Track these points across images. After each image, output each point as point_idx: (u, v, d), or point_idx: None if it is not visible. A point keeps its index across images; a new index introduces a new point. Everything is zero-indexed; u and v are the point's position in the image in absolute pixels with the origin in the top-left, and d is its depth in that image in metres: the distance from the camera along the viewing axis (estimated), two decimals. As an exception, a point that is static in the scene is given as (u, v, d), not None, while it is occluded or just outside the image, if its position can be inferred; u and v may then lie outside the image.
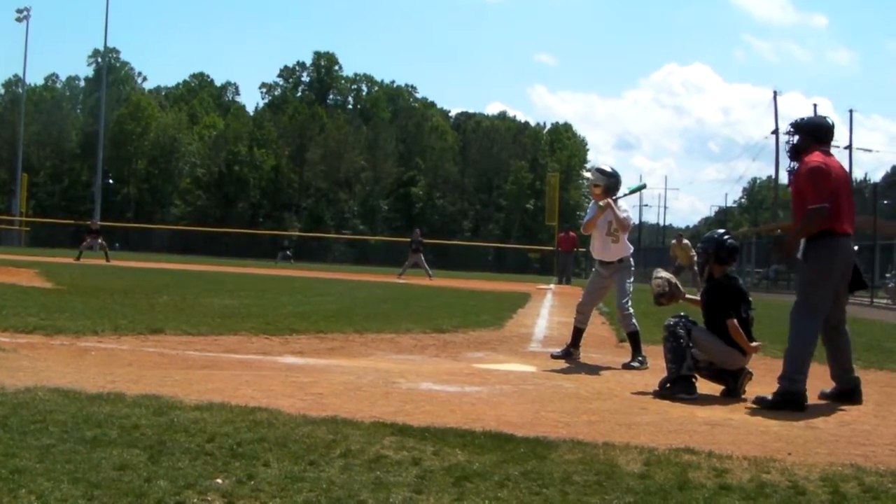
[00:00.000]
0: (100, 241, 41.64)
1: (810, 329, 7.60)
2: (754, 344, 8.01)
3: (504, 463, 4.69)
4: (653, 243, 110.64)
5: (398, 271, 39.93)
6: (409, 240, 43.50)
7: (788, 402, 7.27)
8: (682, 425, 6.25)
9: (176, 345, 9.74)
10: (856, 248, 7.99)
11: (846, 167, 8.09)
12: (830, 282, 7.63)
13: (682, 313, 8.22)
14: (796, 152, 7.95)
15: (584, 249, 44.55)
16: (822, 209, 7.44)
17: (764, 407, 7.28)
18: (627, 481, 4.45)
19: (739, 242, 8.72)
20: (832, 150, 8.06)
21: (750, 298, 8.23)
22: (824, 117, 8.28)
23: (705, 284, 8.39)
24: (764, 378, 9.16)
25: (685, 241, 34.72)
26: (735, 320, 7.86)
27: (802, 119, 8.12)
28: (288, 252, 61.18)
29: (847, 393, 7.79)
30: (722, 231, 8.64)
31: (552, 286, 33.00)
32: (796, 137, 8.00)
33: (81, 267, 29.91)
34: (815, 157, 7.66)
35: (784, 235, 8.35)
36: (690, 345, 7.83)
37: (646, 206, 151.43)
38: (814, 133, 7.94)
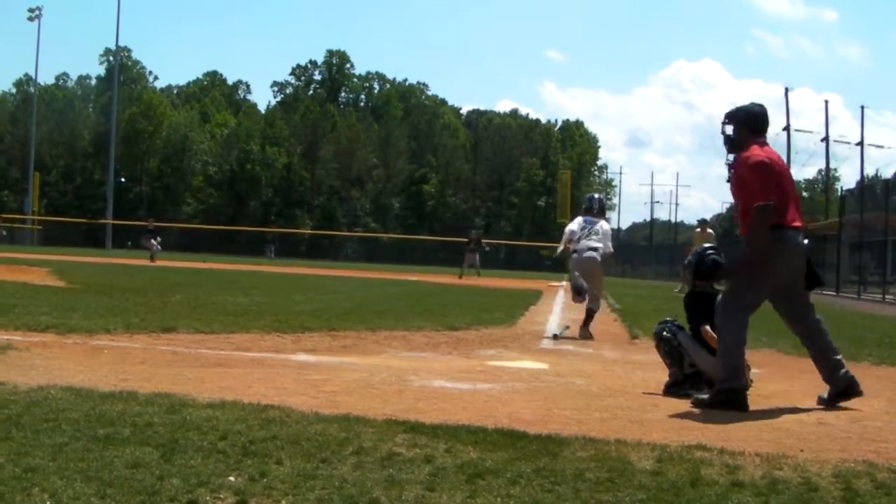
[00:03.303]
0: (153, 240, 41.84)
1: (739, 322, 7.27)
2: None
3: (516, 460, 4.68)
4: (665, 240, 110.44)
5: (457, 272, 39.79)
6: (465, 240, 43.32)
7: (726, 401, 6.98)
8: (693, 422, 6.24)
9: (188, 343, 9.76)
10: (805, 241, 7.73)
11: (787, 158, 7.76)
12: (771, 276, 7.36)
13: (667, 318, 8.18)
14: (732, 144, 7.63)
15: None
16: (770, 206, 7.20)
17: (702, 407, 7.00)
18: (640, 478, 4.45)
19: (723, 259, 8.49)
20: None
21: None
22: (757, 105, 7.74)
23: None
24: (775, 374, 9.16)
25: (709, 229, 32.71)
26: (708, 327, 7.72)
27: (737, 108, 7.69)
28: (271, 247, 61.30)
29: (843, 392, 7.40)
30: (708, 246, 8.56)
31: (564, 283, 32.93)
32: (730, 128, 7.64)
33: (94, 266, 29.97)
34: (756, 152, 7.36)
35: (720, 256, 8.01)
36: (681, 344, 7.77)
37: (657, 202, 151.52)
38: (747, 123, 7.58)
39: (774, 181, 7.28)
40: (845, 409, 7.12)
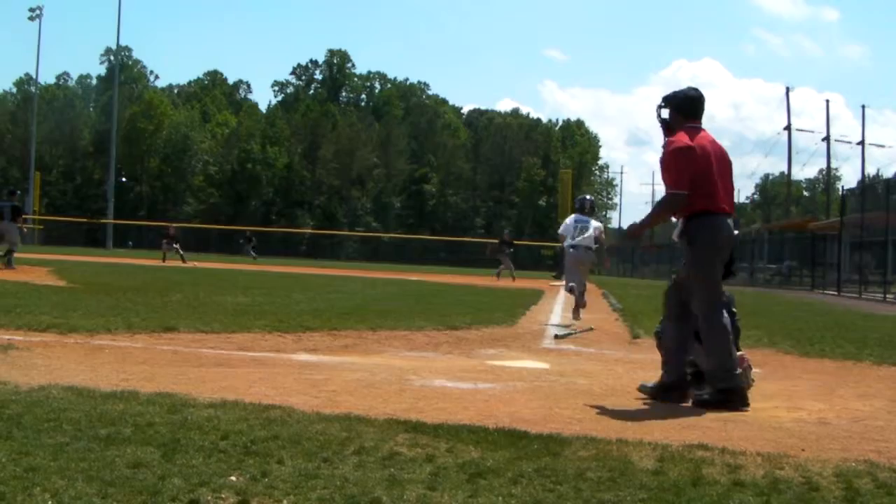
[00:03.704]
0: (175, 245, 41.88)
1: (718, 316, 7.25)
2: (738, 353, 7.81)
3: (517, 459, 4.68)
4: (666, 240, 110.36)
5: (494, 273, 39.59)
6: (497, 241, 42.88)
7: (726, 401, 6.95)
8: (695, 421, 6.24)
9: (189, 342, 9.76)
10: (736, 231, 7.68)
11: (720, 143, 7.50)
12: (715, 263, 7.33)
13: None
14: (667, 128, 7.53)
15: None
16: (678, 196, 7.16)
17: (703, 406, 6.96)
18: (641, 477, 4.45)
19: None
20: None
21: (734, 309, 8.06)
22: (693, 89, 7.64)
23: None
24: (776, 374, 9.15)
25: None
26: None
27: (674, 93, 7.58)
28: (249, 246, 61.00)
29: (671, 386, 7.28)
30: None
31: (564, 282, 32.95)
32: (667, 112, 7.54)
33: (94, 265, 29.98)
34: (681, 138, 7.28)
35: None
36: None
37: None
38: (681, 108, 7.49)
39: (694, 168, 7.18)
40: (845, 408, 7.10)
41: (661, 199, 7.36)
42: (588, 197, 16.88)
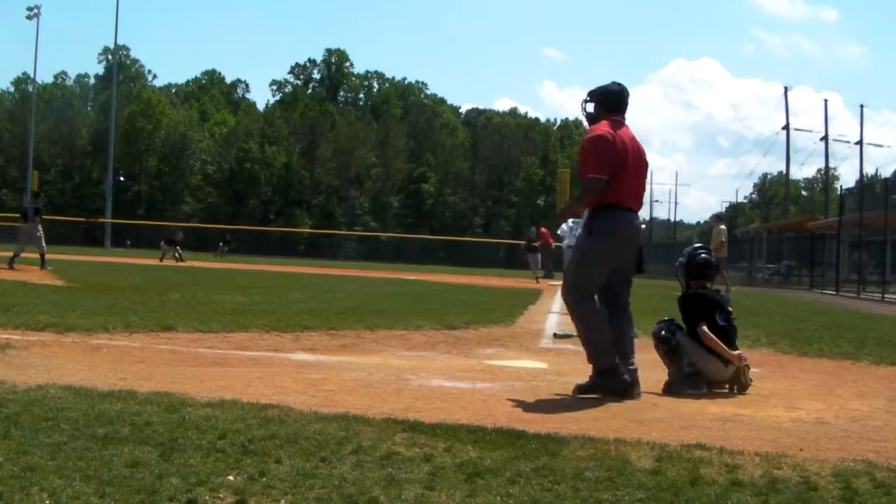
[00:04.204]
0: (176, 249, 41.88)
1: (590, 308, 7.36)
2: (736, 352, 7.83)
3: (515, 459, 4.68)
4: (663, 240, 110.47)
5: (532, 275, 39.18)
6: (524, 241, 42.36)
7: (605, 384, 7.13)
8: (693, 421, 6.23)
9: (187, 342, 9.76)
10: (642, 227, 7.73)
11: (635, 140, 7.50)
12: (612, 257, 7.41)
13: (665, 318, 8.17)
14: (591, 121, 7.62)
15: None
16: (598, 180, 7.21)
17: (586, 391, 7.15)
18: (639, 477, 4.44)
19: (714, 258, 8.46)
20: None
21: (730, 308, 8.05)
22: (616, 84, 7.72)
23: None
24: (774, 373, 9.15)
25: (722, 225, 30.59)
26: (705, 326, 7.67)
27: (598, 87, 7.66)
28: (225, 246, 61.07)
29: (605, 372, 7.29)
30: (698, 245, 8.55)
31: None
32: (591, 106, 7.65)
33: (92, 265, 29.97)
34: (602, 126, 7.37)
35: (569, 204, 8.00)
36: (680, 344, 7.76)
37: (656, 201, 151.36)
38: (603, 101, 7.59)
39: (612, 158, 7.25)
40: (844, 408, 7.10)
41: (585, 185, 7.37)
42: None
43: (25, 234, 26.71)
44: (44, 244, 26.55)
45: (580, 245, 7.61)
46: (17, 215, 27.89)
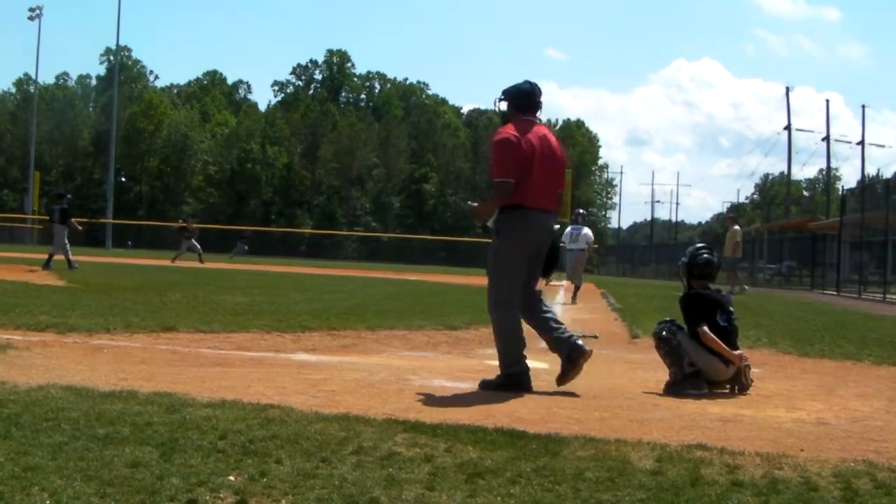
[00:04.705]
0: (194, 242, 41.76)
1: (506, 317, 7.57)
2: (737, 352, 7.82)
3: (516, 459, 4.68)
4: (665, 240, 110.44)
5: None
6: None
7: (511, 384, 7.35)
8: (694, 421, 6.23)
9: (188, 342, 9.76)
10: (556, 226, 7.81)
11: (549, 139, 7.62)
12: (522, 254, 7.55)
13: (667, 318, 8.16)
14: (503, 120, 7.76)
15: None
16: (505, 184, 7.33)
17: (490, 388, 7.33)
18: (640, 477, 4.44)
19: (716, 258, 8.44)
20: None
21: (731, 308, 8.04)
22: (527, 83, 7.79)
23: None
24: (775, 374, 9.15)
25: (736, 226, 30.20)
26: (706, 327, 7.67)
27: (511, 86, 7.75)
28: (245, 246, 60.33)
29: (569, 357, 7.52)
30: (700, 245, 8.55)
31: (564, 283, 32.77)
32: (505, 104, 7.74)
33: (93, 265, 29.96)
34: (507, 129, 7.49)
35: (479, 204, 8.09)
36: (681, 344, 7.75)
37: (658, 202, 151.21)
38: (514, 101, 7.69)
39: (517, 160, 7.35)
40: (844, 408, 7.10)
41: (493, 187, 7.50)
42: (580, 210, 25.66)
43: (58, 236, 26.84)
44: (64, 246, 26.70)
45: (492, 249, 7.75)
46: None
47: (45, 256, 26.62)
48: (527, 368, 7.50)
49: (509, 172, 7.34)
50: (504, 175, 7.35)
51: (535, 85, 7.76)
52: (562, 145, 7.89)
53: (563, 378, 7.50)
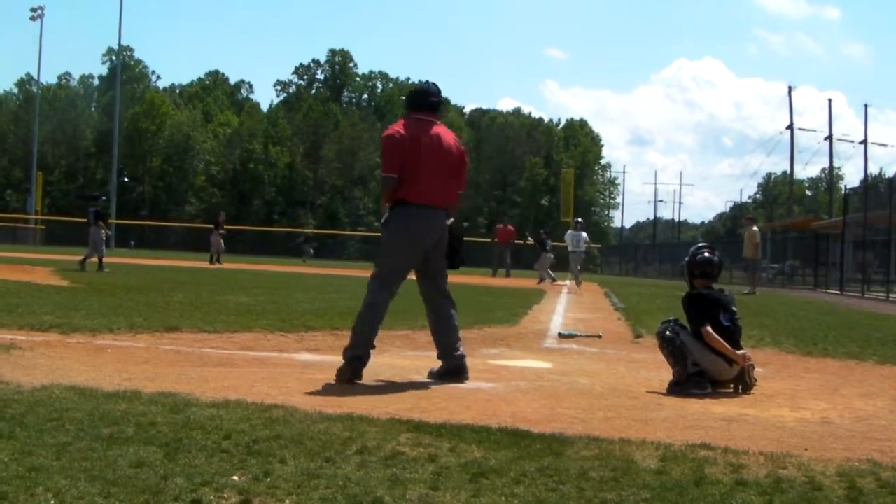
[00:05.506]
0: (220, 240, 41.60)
1: (376, 296, 7.71)
2: (741, 352, 7.81)
3: (520, 459, 4.68)
4: (667, 239, 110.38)
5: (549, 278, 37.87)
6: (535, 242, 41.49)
7: (351, 369, 7.48)
8: (697, 421, 6.23)
9: (192, 342, 9.76)
10: (449, 221, 7.91)
11: (447, 136, 7.85)
12: (404, 252, 7.75)
13: (670, 318, 8.15)
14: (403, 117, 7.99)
15: (520, 242, 45.69)
16: (388, 179, 7.62)
17: (337, 376, 7.49)
18: (644, 477, 4.44)
19: (717, 257, 8.38)
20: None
21: (734, 308, 8.03)
22: (423, 82, 8.05)
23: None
24: (779, 373, 9.14)
25: (754, 227, 30.11)
26: (709, 327, 7.65)
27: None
28: (311, 249, 60.03)
29: (453, 371, 7.82)
30: (701, 245, 8.53)
31: (567, 283, 32.77)
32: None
33: (95, 265, 29.96)
34: (394, 126, 7.77)
35: None
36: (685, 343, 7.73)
37: (660, 201, 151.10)
38: (408, 99, 8.05)
39: (399, 156, 7.59)
40: (848, 407, 7.09)
41: (381, 183, 7.87)
42: (579, 220, 33.32)
43: (95, 238, 27.01)
44: (101, 248, 27.11)
45: (382, 244, 8.00)
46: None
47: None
48: (367, 359, 7.66)
49: (392, 168, 7.60)
50: (387, 170, 7.67)
51: (433, 85, 7.96)
52: (459, 143, 8.07)
53: (439, 376, 7.84)
